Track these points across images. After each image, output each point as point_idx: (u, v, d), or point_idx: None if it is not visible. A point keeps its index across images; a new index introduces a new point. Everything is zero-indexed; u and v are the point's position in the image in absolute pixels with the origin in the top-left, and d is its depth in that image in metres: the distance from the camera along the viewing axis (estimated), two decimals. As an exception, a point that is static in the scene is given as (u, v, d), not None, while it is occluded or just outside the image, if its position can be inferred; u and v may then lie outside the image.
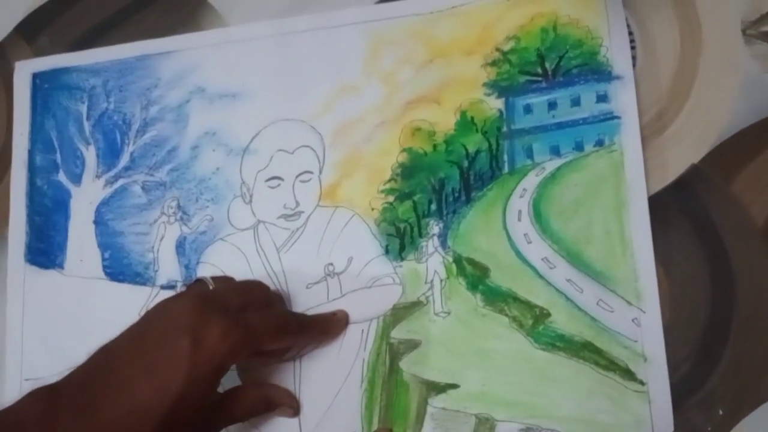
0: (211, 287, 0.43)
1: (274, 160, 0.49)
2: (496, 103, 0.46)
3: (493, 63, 0.47)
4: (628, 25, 0.46)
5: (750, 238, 0.42)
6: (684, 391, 0.41)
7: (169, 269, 0.50)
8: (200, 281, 0.43)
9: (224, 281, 0.44)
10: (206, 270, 0.49)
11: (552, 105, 0.46)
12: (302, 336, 0.45)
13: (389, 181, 0.47)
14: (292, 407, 0.45)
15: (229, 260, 0.49)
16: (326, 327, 0.45)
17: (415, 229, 0.46)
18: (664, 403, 0.41)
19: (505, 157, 0.46)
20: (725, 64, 0.45)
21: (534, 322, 0.43)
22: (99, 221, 0.52)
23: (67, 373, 0.39)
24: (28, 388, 0.47)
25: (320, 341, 0.45)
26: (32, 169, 0.53)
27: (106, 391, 0.37)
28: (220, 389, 0.43)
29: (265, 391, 0.45)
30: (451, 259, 0.45)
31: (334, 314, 0.46)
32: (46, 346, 0.50)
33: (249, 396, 0.43)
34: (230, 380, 0.45)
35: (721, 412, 0.41)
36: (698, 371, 0.41)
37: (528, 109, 0.46)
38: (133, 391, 0.36)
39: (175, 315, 0.39)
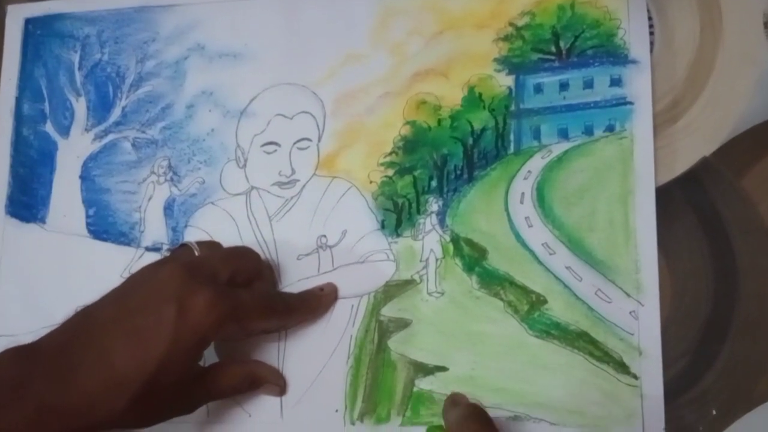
0: (196, 253, 0.41)
1: (271, 125, 0.48)
2: (505, 80, 0.45)
3: (506, 38, 0.45)
4: (648, 10, 0.44)
5: (757, 237, 0.41)
6: (678, 388, 0.40)
7: (155, 231, 0.48)
8: (185, 246, 0.42)
9: (211, 247, 0.43)
10: (194, 234, 0.47)
11: (564, 86, 0.44)
12: (289, 317, 0.43)
13: (390, 154, 0.46)
14: (279, 385, 0.43)
15: (219, 225, 0.47)
16: (314, 305, 0.44)
17: (414, 205, 0.45)
18: (657, 399, 0.40)
19: (512, 137, 0.44)
20: (744, 57, 0.43)
21: (529, 308, 0.42)
22: (85, 176, 0.50)
23: (42, 331, 0.37)
24: (1, 344, 0.45)
25: (308, 320, 0.44)
26: (19, 118, 0.51)
27: (84, 356, 0.36)
28: (202, 364, 0.41)
29: (252, 368, 0.43)
30: (448, 239, 0.44)
31: (321, 289, 0.44)
32: (22, 302, 0.49)
33: (234, 372, 0.42)
34: (210, 355, 0.44)
35: (714, 412, 0.40)
36: (694, 369, 0.40)
37: (538, 89, 0.45)
38: (113, 358, 0.35)
39: (161, 282, 0.37)
